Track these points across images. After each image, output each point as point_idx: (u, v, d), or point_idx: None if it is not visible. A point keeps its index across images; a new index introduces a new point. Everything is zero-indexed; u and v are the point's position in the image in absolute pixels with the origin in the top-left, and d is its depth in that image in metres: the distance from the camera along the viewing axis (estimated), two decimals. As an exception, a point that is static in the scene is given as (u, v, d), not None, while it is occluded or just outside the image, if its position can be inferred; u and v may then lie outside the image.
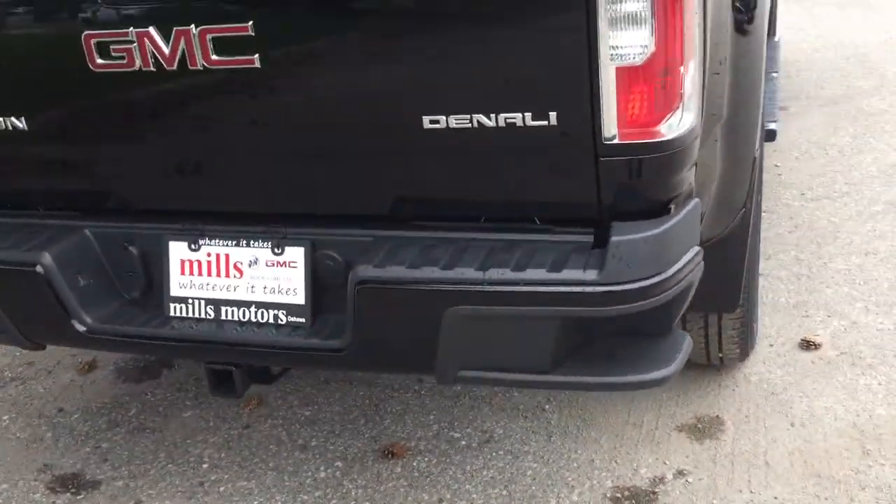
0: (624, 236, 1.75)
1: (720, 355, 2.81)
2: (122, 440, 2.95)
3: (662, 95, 1.71)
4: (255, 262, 2.09)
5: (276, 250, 2.07)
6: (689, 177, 1.85)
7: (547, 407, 2.91)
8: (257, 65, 1.84)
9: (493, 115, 1.75)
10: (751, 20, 2.18)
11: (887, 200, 4.13)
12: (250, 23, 1.80)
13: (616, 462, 2.64)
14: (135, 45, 1.89)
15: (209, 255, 2.13)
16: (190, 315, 2.14)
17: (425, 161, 1.89)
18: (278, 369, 2.32)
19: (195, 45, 1.85)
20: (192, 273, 2.14)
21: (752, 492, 2.47)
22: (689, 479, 2.54)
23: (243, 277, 2.10)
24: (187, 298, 2.15)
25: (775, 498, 2.44)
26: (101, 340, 2.18)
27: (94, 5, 1.91)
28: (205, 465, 2.79)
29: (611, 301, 1.75)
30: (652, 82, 1.70)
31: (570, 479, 2.59)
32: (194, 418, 3.03)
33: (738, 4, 2.05)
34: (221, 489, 2.68)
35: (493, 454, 2.72)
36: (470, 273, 1.81)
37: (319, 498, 2.61)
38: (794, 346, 3.10)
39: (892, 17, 7.40)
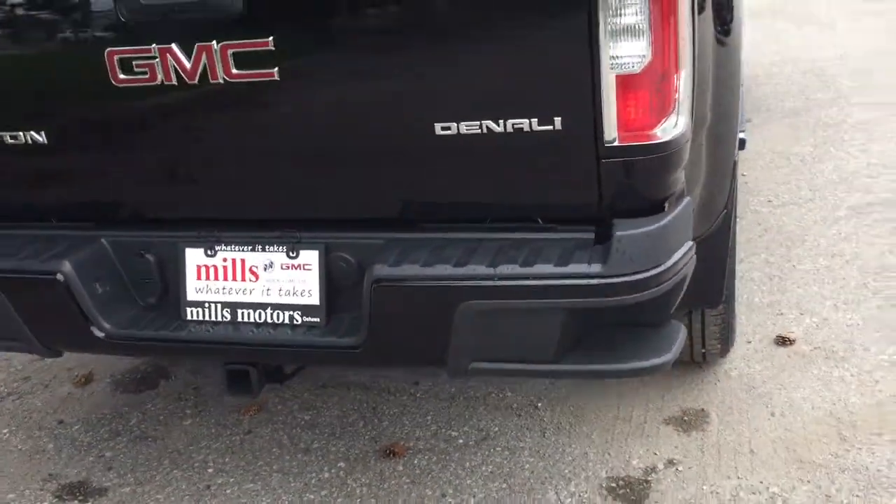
0: (626, 231, 1.88)
1: (703, 351, 2.96)
2: (125, 449, 3.01)
3: (658, 101, 1.85)
4: (271, 266, 2.19)
5: (290, 254, 2.17)
6: (681, 177, 1.99)
7: (539, 405, 3.03)
8: (276, 78, 1.94)
9: (501, 121, 1.88)
10: (728, 33, 2.34)
11: (850, 205, 4.33)
12: (271, 38, 1.91)
13: (609, 454, 2.76)
14: (157, 60, 1.99)
15: (225, 260, 2.22)
16: (207, 318, 2.23)
17: (436, 166, 2.00)
18: (291, 369, 2.42)
19: (216, 60, 1.95)
20: (208, 278, 2.23)
21: (739, 477, 2.61)
22: (680, 468, 2.67)
23: (259, 281, 2.20)
24: (204, 302, 2.24)
25: (761, 482, 2.58)
26: (119, 345, 2.26)
27: (116, 23, 2.00)
28: (210, 470, 2.86)
29: (614, 292, 1.87)
30: (649, 89, 1.84)
31: (566, 471, 2.71)
32: (195, 426, 3.10)
33: (718, 19, 2.21)
34: (228, 492, 2.76)
35: (491, 451, 2.83)
36: (481, 269, 1.93)
37: (325, 497, 2.70)
38: (770, 342, 3.26)
39: (845, 33, 7.70)
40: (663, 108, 1.86)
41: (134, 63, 2.01)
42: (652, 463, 2.71)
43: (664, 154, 1.89)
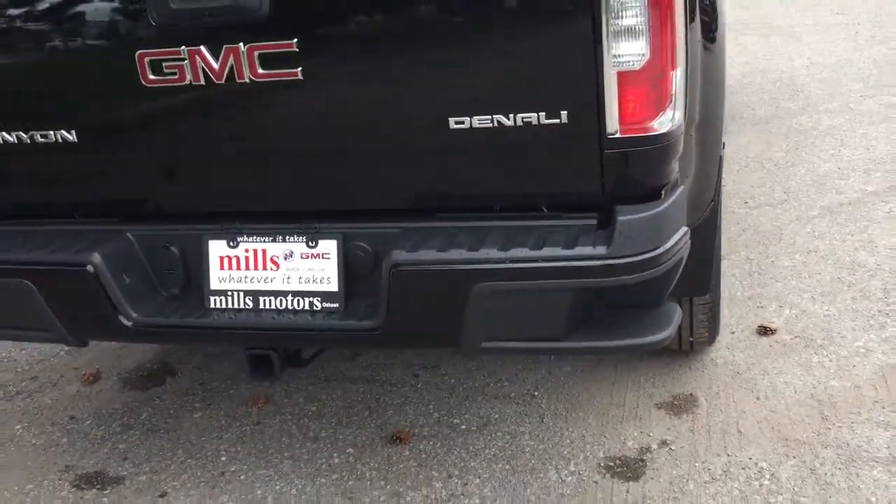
0: (628, 216, 2.04)
1: (691, 339, 3.12)
2: (138, 441, 3.11)
3: (656, 96, 2.02)
4: (291, 256, 2.32)
5: (310, 244, 2.30)
6: (676, 167, 2.16)
7: (536, 393, 3.18)
8: (300, 77, 2.08)
9: (511, 116, 2.03)
10: (715, 36, 2.52)
11: (822, 206, 4.53)
12: (295, 40, 2.06)
13: (605, 437, 2.91)
14: (186, 61, 2.12)
15: (247, 251, 2.35)
16: (230, 306, 2.35)
17: (449, 158, 2.15)
18: (310, 354, 2.54)
19: (243, 61, 2.09)
20: (230, 268, 2.35)
21: (728, 455, 2.77)
22: (672, 448, 2.83)
23: (279, 270, 2.33)
24: (227, 291, 2.36)
25: (750, 458, 2.74)
26: (147, 333, 2.37)
27: (147, 26, 2.13)
28: (223, 458, 2.97)
29: (618, 272, 2.03)
30: (647, 85, 2.00)
31: (565, 452, 2.85)
32: (205, 418, 3.21)
33: (705, 27, 2.38)
34: (242, 477, 2.87)
35: (493, 435, 2.97)
36: (494, 253, 2.08)
37: (336, 480, 2.82)
38: (752, 332, 3.43)
39: (811, 44, 7.98)
40: (661, 102, 2.02)
41: (164, 64, 2.14)
42: (646, 443, 2.86)
43: (661, 145, 2.05)
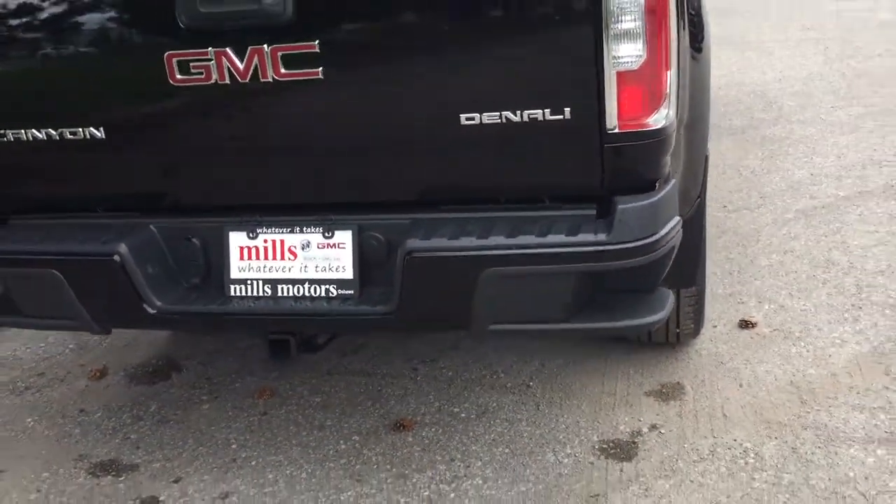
0: (627, 205, 2.21)
1: (678, 331, 3.29)
2: (149, 431, 3.23)
3: (651, 94, 2.19)
4: (308, 246, 2.46)
5: (326, 234, 2.44)
6: (668, 161, 2.33)
7: (531, 384, 3.33)
8: (321, 77, 2.23)
9: (518, 112, 2.19)
10: (701, 46, 2.71)
11: (797, 209, 4.74)
12: (317, 41, 2.21)
13: (598, 422, 3.07)
14: (212, 62, 2.26)
15: (266, 241, 2.49)
16: (249, 294, 2.49)
17: (459, 153, 2.30)
18: (324, 339, 2.68)
19: (267, 61, 2.24)
20: (250, 258, 2.49)
21: (715, 437, 2.94)
22: (662, 431, 2.99)
23: (297, 259, 2.47)
24: (246, 280, 2.50)
25: (735, 440, 2.90)
26: (170, 320, 2.51)
27: (176, 28, 2.27)
28: (233, 446, 3.09)
29: (618, 256, 2.20)
30: (644, 84, 2.17)
31: (560, 437, 3.01)
32: (213, 410, 3.33)
33: (692, 37, 2.56)
34: (253, 463, 2.99)
35: (491, 422, 3.12)
36: (502, 240, 2.24)
37: (344, 464, 2.95)
38: (734, 326, 3.61)
39: (783, 59, 8.24)
40: (655, 100, 2.19)
41: (191, 64, 2.28)
42: (637, 427, 3.02)
43: (656, 140, 2.22)
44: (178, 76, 2.29)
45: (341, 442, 3.07)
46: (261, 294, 2.48)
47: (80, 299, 2.51)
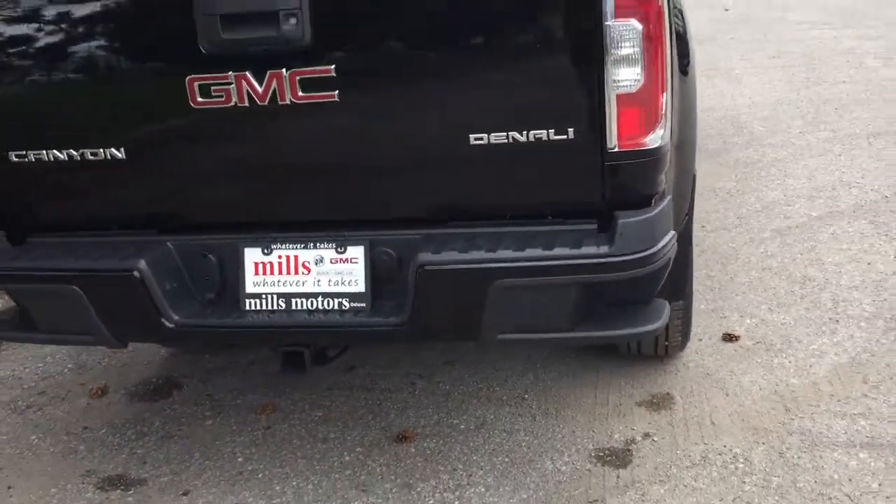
0: (627, 220, 2.34)
1: (666, 344, 3.43)
2: (155, 446, 3.29)
3: (649, 115, 2.33)
4: (321, 261, 2.56)
5: (339, 250, 2.55)
6: (664, 179, 2.47)
7: (527, 396, 3.45)
8: (336, 99, 2.35)
9: (524, 132, 2.33)
10: (688, 70, 2.88)
11: (773, 229, 4.93)
12: (333, 66, 2.33)
13: (593, 431, 3.19)
14: (232, 85, 2.38)
15: (280, 257, 2.59)
16: (264, 308, 2.58)
17: (468, 171, 2.43)
18: (334, 352, 2.78)
19: (286, 85, 2.35)
20: (265, 273, 2.59)
21: (705, 443, 3.07)
22: (655, 439, 3.11)
23: (310, 274, 2.57)
24: (261, 294, 2.59)
25: (724, 446, 3.04)
26: (188, 334, 2.59)
27: (198, 54, 2.38)
28: (239, 459, 3.17)
29: (619, 268, 2.33)
30: (642, 106, 2.32)
31: (558, 446, 3.12)
32: (217, 425, 3.40)
33: (680, 60, 2.72)
34: (260, 476, 3.07)
35: (490, 433, 3.23)
36: (510, 253, 2.36)
37: (349, 475, 3.04)
38: (718, 339, 3.76)
39: (752, 85, 8.49)
40: (652, 121, 2.34)
41: (212, 88, 2.39)
42: (631, 436, 3.14)
43: (653, 158, 2.37)
44: (199, 99, 2.40)
45: (345, 454, 3.16)
46: (275, 308, 2.58)
47: (98, 314, 2.59)
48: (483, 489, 2.93)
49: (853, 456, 2.93)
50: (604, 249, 2.33)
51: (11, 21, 2.47)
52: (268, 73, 2.35)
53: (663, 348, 3.46)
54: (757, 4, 13.86)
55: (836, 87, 8.02)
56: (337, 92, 2.35)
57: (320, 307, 2.56)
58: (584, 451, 3.08)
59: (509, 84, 2.33)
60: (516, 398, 3.44)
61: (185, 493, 3.00)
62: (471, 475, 3.00)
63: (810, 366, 3.49)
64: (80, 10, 2.44)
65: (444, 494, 2.92)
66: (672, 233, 2.48)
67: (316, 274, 2.57)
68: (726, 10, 12.60)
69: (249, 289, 2.60)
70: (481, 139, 2.35)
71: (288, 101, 2.37)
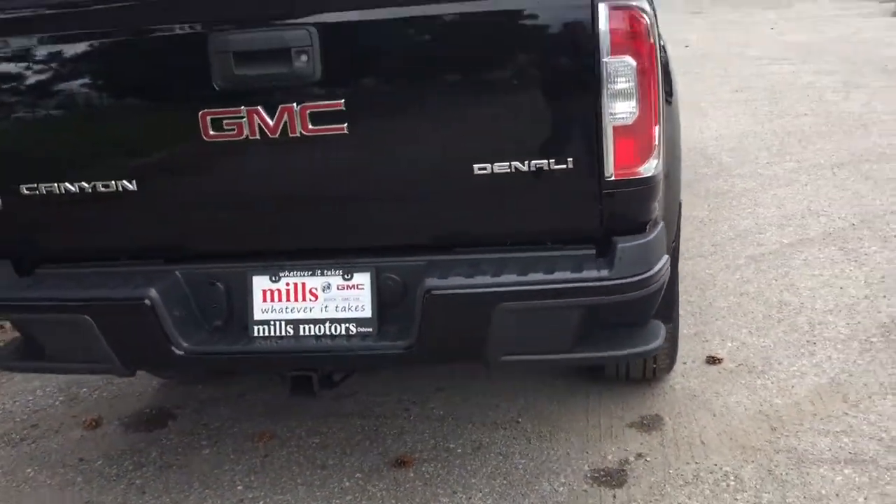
0: (626, 244, 2.46)
1: (654, 367, 3.54)
2: (153, 476, 3.31)
3: (643, 146, 2.46)
4: (328, 288, 2.64)
5: (345, 276, 2.63)
6: (657, 206, 2.59)
7: (520, 420, 3.53)
8: (346, 131, 2.45)
9: (526, 162, 2.44)
10: (672, 101, 3.02)
11: (747, 255, 5.09)
12: (343, 100, 2.43)
13: (587, 453, 3.28)
14: (244, 119, 2.46)
15: (288, 284, 2.66)
16: (272, 334, 2.65)
17: (471, 199, 2.53)
18: (340, 376, 2.84)
19: (296, 118, 2.44)
20: (273, 300, 2.66)
21: (696, 462, 3.17)
22: (647, 459, 3.21)
23: (318, 300, 2.64)
24: (269, 321, 2.65)
25: (715, 464, 3.14)
26: (197, 361, 2.64)
27: (211, 90, 2.46)
28: (239, 487, 3.20)
29: (618, 290, 2.43)
30: (636, 137, 2.44)
31: (554, 467, 3.20)
32: (214, 454, 3.43)
33: (665, 88, 2.86)
34: (261, 503, 3.10)
35: (486, 457, 3.30)
36: (514, 278, 2.46)
37: (350, 501, 3.09)
38: (702, 362, 3.88)
39: (717, 118, 8.74)
40: (646, 151, 2.46)
41: (224, 122, 2.47)
42: (624, 456, 3.23)
43: (647, 186, 2.49)
44: (211, 132, 2.48)
45: (345, 479, 3.21)
46: (283, 334, 2.64)
47: (109, 343, 2.63)
48: (483, 511, 3.00)
49: (839, 472, 3.04)
50: (604, 273, 2.43)
51: (29, 55, 2.54)
52: (279, 107, 2.44)
53: (651, 371, 3.57)
54: (717, 41, 14.30)
55: (799, 120, 8.30)
56: (346, 125, 2.44)
57: (328, 332, 2.63)
58: (580, 472, 3.16)
59: (511, 116, 2.44)
60: (510, 422, 3.52)
61: (187, 522, 3.03)
62: (470, 498, 3.06)
63: (792, 386, 3.62)
64: (96, 46, 2.52)
65: (446, 517, 2.98)
66: (666, 257, 2.59)
67: (323, 300, 2.64)
68: (686, 46, 12.94)
69: (258, 315, 2.66)
70: (484, 169, 2.45)
71: (298, 134, 2.46)
